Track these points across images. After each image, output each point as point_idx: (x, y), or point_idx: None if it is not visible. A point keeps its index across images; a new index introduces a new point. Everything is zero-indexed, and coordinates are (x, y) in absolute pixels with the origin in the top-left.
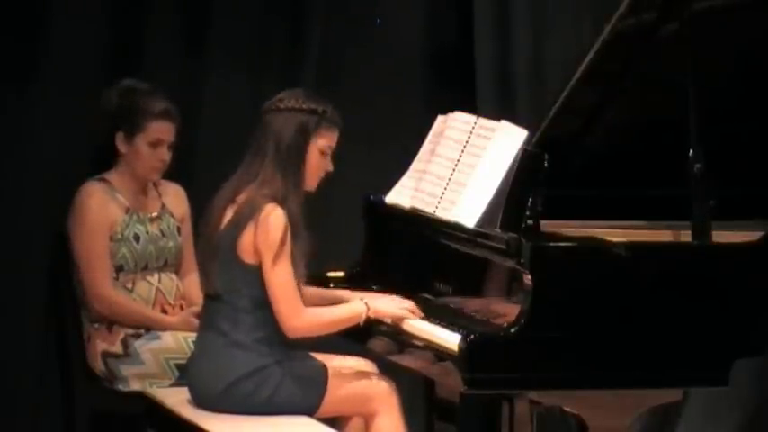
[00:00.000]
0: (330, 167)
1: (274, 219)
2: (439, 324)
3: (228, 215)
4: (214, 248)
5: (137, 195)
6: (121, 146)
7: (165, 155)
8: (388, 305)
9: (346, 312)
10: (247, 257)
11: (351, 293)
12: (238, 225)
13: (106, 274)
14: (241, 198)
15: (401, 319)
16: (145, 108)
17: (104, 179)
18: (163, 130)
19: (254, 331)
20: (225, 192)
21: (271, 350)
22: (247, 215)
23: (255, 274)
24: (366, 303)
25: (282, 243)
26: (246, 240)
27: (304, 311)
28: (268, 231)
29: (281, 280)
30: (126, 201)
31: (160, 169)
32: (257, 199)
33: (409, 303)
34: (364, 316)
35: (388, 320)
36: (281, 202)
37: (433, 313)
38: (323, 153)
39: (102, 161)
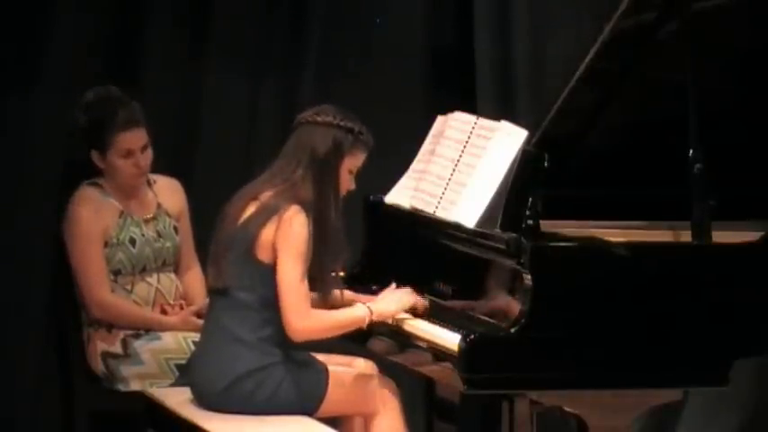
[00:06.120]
0: (353, 186)
1: (298, 220)
2: (439, 324)
3: (249, 211)
4: (229, 242)
5: (130, 198)
6: (99, 162)
7: (141, 160)
8: (388, 306)
9: (349, 317)
10: (263, 255)
11: (353, 296)
12: (259, 221)
13: (103, 280)
14: (265, 196)
15: (410, 307)
16: (108, 122)
17: (97, 183)
18: (130, 140)
19: (259, 330)
20: (247, 189)
21: (274, 350)
22: (271, 211)
23: (268, 273)
24: (369, 308)
25: (302, 245)
26: (265, 237)
27: (310, 314)
28: (290, 231)
29: (292, 280)
30: (119, 204)
31: (140, 175)
32: (284, 198)
33: (407, 294)
34: (367, 320)
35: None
36: (307, 210)
37: (432, 313)
38: (350, 172)
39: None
